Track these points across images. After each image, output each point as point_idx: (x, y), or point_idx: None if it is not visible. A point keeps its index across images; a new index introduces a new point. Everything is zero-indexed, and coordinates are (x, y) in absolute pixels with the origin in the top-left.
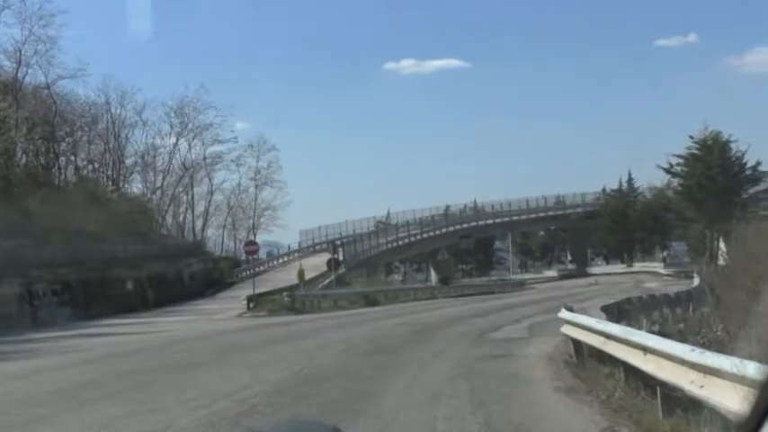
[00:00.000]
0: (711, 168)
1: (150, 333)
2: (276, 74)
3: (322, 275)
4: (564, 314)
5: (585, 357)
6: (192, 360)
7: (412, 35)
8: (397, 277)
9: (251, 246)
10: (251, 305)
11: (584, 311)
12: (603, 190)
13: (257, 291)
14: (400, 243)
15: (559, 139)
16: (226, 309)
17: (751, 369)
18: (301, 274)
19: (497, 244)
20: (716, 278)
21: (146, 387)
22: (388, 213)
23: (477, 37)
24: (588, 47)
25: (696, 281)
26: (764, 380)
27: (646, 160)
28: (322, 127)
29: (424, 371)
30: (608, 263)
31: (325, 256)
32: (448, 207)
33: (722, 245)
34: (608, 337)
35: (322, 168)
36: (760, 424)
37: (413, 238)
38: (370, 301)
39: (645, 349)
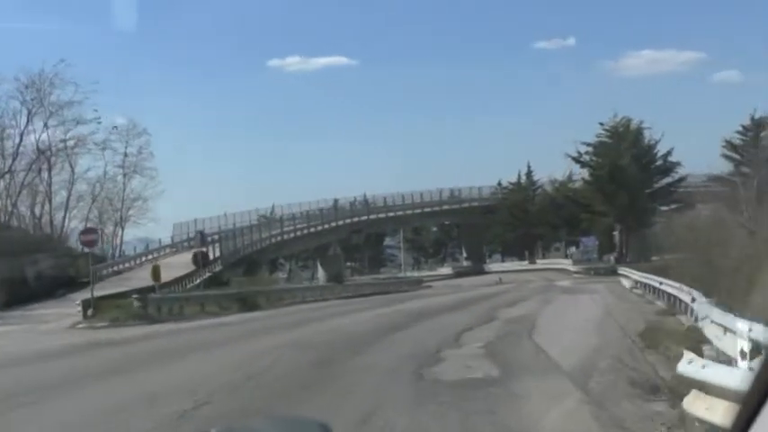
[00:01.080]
0: (623, 157)
1: None
2: (159, 65)
3: (194, 274)
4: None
5: None
6: None
7: (298, 32)
8: (281, 275)
9: (88, 234)
10: (89, 312)
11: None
12: (499, 183)
13: (106, 292)
14: (285, 238)
15: (451, 135)
16: (64, 315)
17: None
18: (156, 271)
19: (388, 240)
20: None
21: None
22: (273, 207)
23: (364, 35)
24: (472, 45)
25: (627, 282)
26: (749, 389)
27: (540, 155)
28: (206, 121)
29: None
30: (504, 260)
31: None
32: (337, 201)
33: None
34: None
35: (205, 163)
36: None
37: (299, 233)
38: (248, 304)
39: None
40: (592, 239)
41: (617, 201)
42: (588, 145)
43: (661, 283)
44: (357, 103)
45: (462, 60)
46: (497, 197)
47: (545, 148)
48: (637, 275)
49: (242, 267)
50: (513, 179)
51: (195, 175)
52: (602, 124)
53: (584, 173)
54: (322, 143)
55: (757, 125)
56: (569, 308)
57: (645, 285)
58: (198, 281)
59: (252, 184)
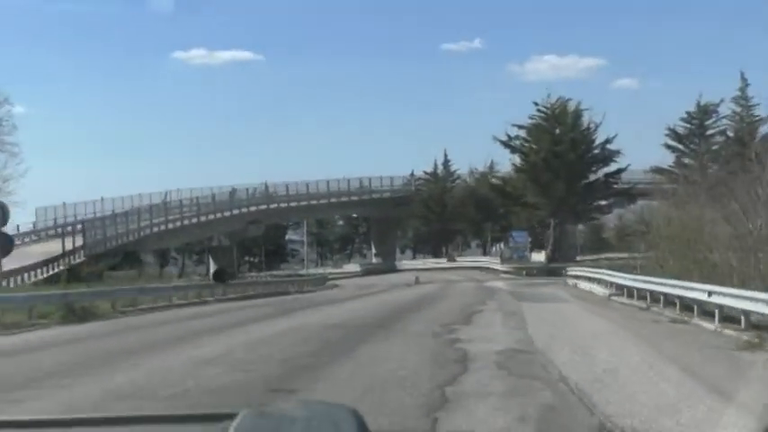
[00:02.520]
0: (560, 143)
1: None
2: (59, 55)
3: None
4: None
5: None
6: None
7: (202, 26)
8: (174, 270)
9: None
10: None
11: None
12: (412, 174)
13: None
14: (170, 227)
15: (361, 133)
16: None
17: None
18: None
19: (290, 234)
20: None
21: None
22: (166, 194)
23: (271, 30)
24: (379, 45)
25: (594, 286)
26: None
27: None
28: (106, 110)
29: None
30: (415, 256)
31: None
32: (235, 190)
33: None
34: None
35: (102, 153)
36: None
37: (186, 222)
38: (79, 313)
39: None
40: (523, 235)
41: (552, 192)
42: (520, 128)
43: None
44: (263, 97)
45: (372, 59)
46: (410, 188)
47: (455, 147)
48: (618, 277)
49: (114, 259)
50: (430, 169)
51: (98, 168)
52: (536, 104)
53: (515, 159)
54: (226, 134)
55: (703, 112)
56: (574, 332)
57: (624, 290)
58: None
59: (156, 175)
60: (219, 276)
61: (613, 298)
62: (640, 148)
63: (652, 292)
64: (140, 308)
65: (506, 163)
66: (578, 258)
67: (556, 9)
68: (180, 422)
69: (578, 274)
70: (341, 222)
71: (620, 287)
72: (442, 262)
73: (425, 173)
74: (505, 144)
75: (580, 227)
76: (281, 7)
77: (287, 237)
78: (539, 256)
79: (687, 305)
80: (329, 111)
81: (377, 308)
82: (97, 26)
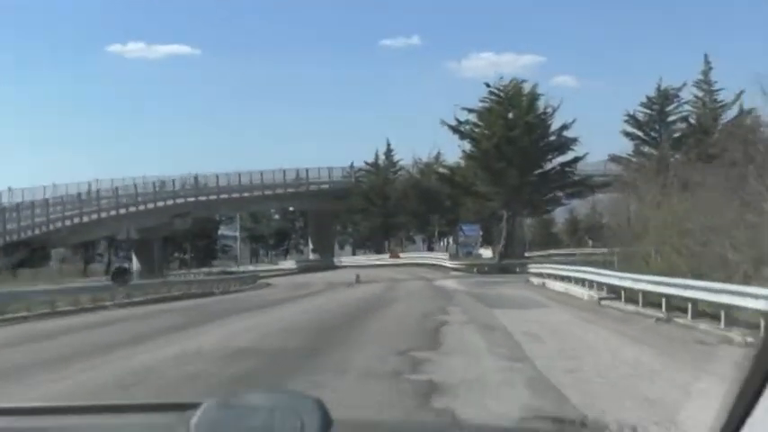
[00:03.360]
0: (514, 128)
1: None
2: None
3: None
4: None
5: None
6: None
7: (140, 19)
8: (100, 267)
9: None
10: None
11: None
12: (352, 165)
13: None
14: (85, 220)
15: (300, 128)
16: None
17: None
18: None
19: (223, 229)
20: None
21: None
22: (90, 184)
23: (209, 25)
24: (317, 40)
25: (586, 292)
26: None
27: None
28: (38, 102)
29: None
30: (355, 252)
31: None
32: (163, 183)
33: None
34: None
35: (34, 145)
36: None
37: (104, 214)
38: None
39: None
40: (475, 228)
41: (505, 181)
42: (470, 111)
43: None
44: (200, 92)
45: (309, 54)
46: (350, 180)
47: (397, 140)
48: (610, 276)
49: (16, 256)
50: (371, 159)
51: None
52: (487, 86)
53: (465, 146)
54: (161, 128)
55: (664, 96)
56: (602, 363)
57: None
58: None
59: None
60: (119, 277)
61: (605, 302)
62: (592, 141)
63: (667, 297)
64: (5, 317)
65: (452, 154)
66: (527, 254)
67: (493, 8)
68: (143, 411)
69: (545, 271)
70: (277, 217)
71: (611, 289)
72: (385, 258)
73: (366, 163)
74: (454, 129)
75: (528, 221)
76: (221, 2)
77: (219, 232)
78: (486, 252)
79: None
80: (267, 106)
81: (309, 318)
82: (31, 16)
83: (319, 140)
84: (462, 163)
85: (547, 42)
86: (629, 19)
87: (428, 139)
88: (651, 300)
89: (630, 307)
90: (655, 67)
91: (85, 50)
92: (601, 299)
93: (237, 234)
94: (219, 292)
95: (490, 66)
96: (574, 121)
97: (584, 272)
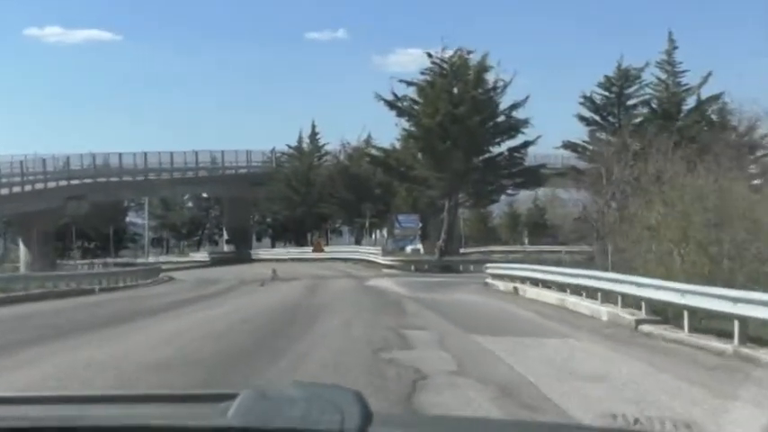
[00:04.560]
0: (460, 104)
1: None
2: None
3: None
4: None
5: None
6: None
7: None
8: None
9: None
10: None
11: None
12: (273, 150)
13: None
14: None
15: (221, 120)
16: None
17: None
18: None
19: (132, 216)
20: None
21: None
22: None
23: (130, 10)
24: (242, 30)
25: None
26: None
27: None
28: None
29: None
30: (274, 244)
31: None
32: (68, 161)
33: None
34: None
35: None
36: None
37: None
38: None
39: None
40: (413, 220)
41: (448, 165)
42: (410, 84)
43: None
44: (119, 78)
45: (234, 43)
46: (271, 166)
47: (323, 126)
48: (657, 288)
49: None
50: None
51: None
52: (429, 55)
53: (403, 124)
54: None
55: (624, 77)
56: None
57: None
58: None
59: None
60: None
61: (645, 327)
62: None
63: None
64: None
65: (385, 138)
66: (462, 251)
67: (422, 1)
68: (180, 402)
69: (516, 273)
70: (190, 204)
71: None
72: (307, 252)
73: (289, 146)
74: (391, 104)
75: (464, 214)
76: None
77: (128, 218)
78: (409, 248)
79: None
80: (189, 95)
81: (190, 347)
82: None
83: (240, 130)
84: (398, 145)
85: (483, 36)
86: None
87: (355, 128)
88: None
89: (703, 341)
90: (610, 50)
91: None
92: (639, 322)
93: (145, 222)
94: (100, 290)
95: (417, 61)
96: (527, 99)
97: (590, 277)
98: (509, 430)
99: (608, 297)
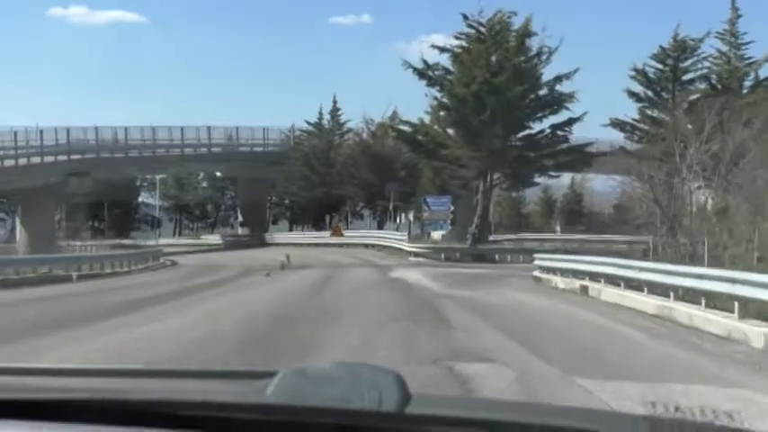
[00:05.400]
0: (499, 74)
1: None
2: None
3: None
4: None
5: None
6: None
7: None
8: None
9: None
10: None
11: None
12: (292, 127)
13: None
14: None
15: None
16: None
17: None
18: None
19: (145, 196)
20: None
21: None
22: None
23: None
24: (266, 15)
25: None
26: None
27: None
28: None
29: None
30: (292, 228)
31: None
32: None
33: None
34: None
35: None
36: None
37: None
38: None
39: None
40: (444, 202)
41: (485, 142)
42: (443, 51)
43: None
44: (144, 60)
45: (256, 31)
46: (289, 144)
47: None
48: None
49: None
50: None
51: None
52: (465, 18)
53: (434, 94)
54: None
55: (681, 48)
56: None
57: None
58: None
59: None
60: None
61: None
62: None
63: None
64: None
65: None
66: (491, 238)
67: None
68: (220, 377)
69: (585, 269)
70: (205, 184)
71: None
72: (325, 236)
73: (308, 123)
74: (421, 73)
75: (496, 198)
76: None
77: (141, 198)
78: (436, 234)
79: None
80: (214, 80)
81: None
82: None
83: (260, 109)
84: (428, 119)
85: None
86: None
87: (379, 108)
88: None
89: None
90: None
91: (26, 13)
92: None
93: (156, 202)
94: (79, 277)
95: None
96: (576, 71)
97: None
98: (548, 413)
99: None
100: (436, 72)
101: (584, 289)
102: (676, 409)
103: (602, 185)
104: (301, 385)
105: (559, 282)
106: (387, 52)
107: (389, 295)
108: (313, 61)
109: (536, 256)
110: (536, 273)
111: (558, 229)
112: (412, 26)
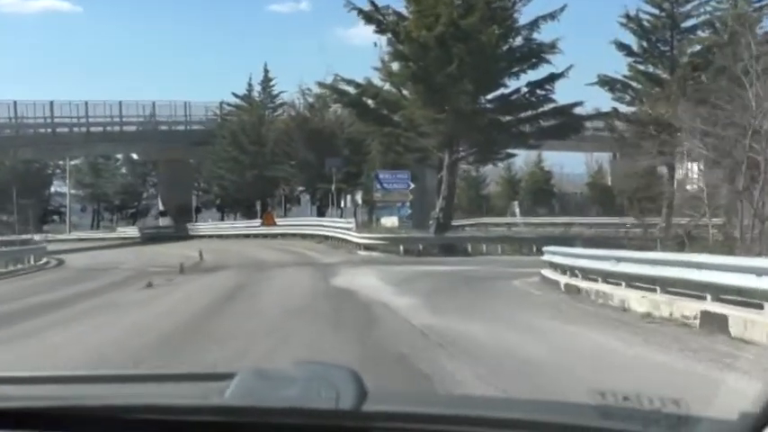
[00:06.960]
0: (467, 14)
1: None
2: None
3: None
4: None
5: None
6: None
7: None
8: None
9: None
10: None
11: None
12: (221, 104)
13: None
14: None
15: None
16: None
17: None
18: None
19: (58, 185)
20: None
21: None
22: None
23: None
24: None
25: None
26: None
27: None
28: None
29: None
30: (223, 217)
31: None
32: None
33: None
34: None
35: None
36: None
37: None
38: None
39: None
40: (401, 179)
41: (451, 101)
42: None
43: None
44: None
45: (193, 17)
46: (216, 122)
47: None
48: None
49: None
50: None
51: None
52: None
53: (382, 47)
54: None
55: None
56: None
57: None
58: None
59: None
60: None
61: None
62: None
63: None
64: None
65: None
66: (459, 224)
67: None
68: (179, 380)
69: (637, 272)
70: (124, 170)
71: None
72: (255, 225)
73: (235, 95)
74: (369, 16)
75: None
76: None
77: (54, 188)
78: (387, 221)
79: None
80: (145, 68)
81: None
82: None
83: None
84: (377, 79)
85: None
86: None
87: (316, 76)
88: None
89: None
90: None
91: None
92: None
93: (67, 190)
94: None
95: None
96: (564, 8)
97: None
98: (503, 406)
99: None
100: (387, 16)
101: (710, 319)
102: (624, 398)
103: (574, 163)
104: (260, 386)
105: (605, 295)
106: (325, 37)
107: (326, 331)
108: (248, 43)
109: (546, 249)
110: (544, 272)
111: (517, 212)
112: (351, 13)
